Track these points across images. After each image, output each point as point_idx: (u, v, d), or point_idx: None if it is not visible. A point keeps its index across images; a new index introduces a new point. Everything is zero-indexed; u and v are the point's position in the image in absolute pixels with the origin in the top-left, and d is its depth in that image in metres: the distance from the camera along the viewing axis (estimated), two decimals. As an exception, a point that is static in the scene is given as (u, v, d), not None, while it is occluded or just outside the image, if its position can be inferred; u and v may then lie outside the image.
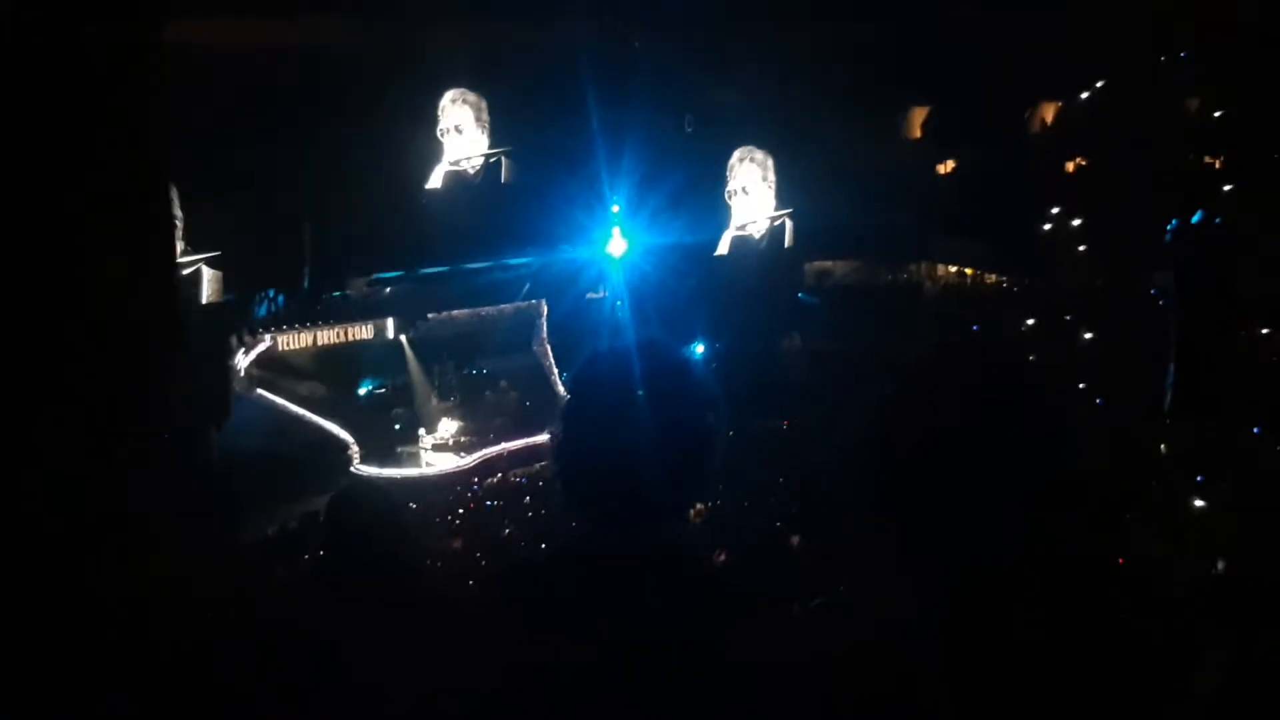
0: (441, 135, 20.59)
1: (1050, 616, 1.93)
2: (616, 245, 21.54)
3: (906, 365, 2.09)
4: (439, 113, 20.57)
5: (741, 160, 23.61)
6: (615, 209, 21.22)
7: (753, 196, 23.66)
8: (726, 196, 23.34)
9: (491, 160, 20.86)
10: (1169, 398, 13.11)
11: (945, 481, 1.93)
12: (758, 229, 23.82)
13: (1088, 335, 17.82)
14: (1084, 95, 20.98)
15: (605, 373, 2.39)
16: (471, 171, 20.79)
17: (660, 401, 2.32)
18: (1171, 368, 13.06)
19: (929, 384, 2.07)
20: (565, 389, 2.49)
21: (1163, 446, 13.41)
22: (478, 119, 20.84)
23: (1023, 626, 1.92)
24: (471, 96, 20.76)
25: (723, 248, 23.39)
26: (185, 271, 16.99)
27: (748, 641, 2.21)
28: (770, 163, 23.76)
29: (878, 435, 2.03)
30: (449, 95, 20.60)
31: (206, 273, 17.24)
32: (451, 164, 20.65)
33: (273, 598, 4.36)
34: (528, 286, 22.32)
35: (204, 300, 17.31)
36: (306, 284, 19.35)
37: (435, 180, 20.54)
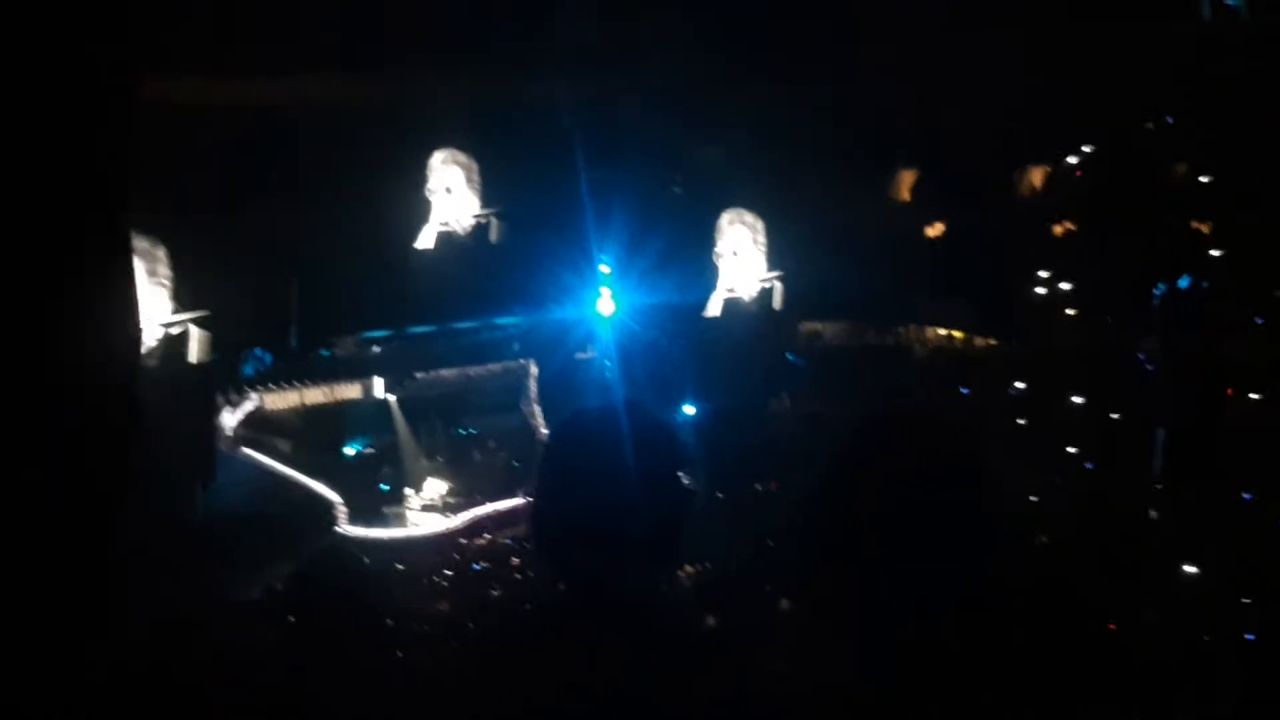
0: (430, 195, 20.65)
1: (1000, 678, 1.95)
2: (605, 305, 21.53)
3: (847, 436, 2.14)
4: (428, 172, 20.63)
5: (731, 223, 23.66)
6: (604, 269, 21.24)
7: (742, 258, 23.70)
8: (715, 259, 23.37)
9: (481, 220, 20.91)
10: (1158, 463, 13.10)
11: (873, 548, 1.97)
12: (747, 291, 23.84)
13: (1077, 399, 17.79)
14: (1072, 160, 21.09)
15: (581, 432, 2.41)
16: (461, 232, 20.85)
17: (635, 462, 2.33)
18: (1160, 433, 13.06)
19: (861, 455, 2.11)
20: (541, 447, 2.52)
21: (1151, 512, 13.36)
22: (468, 179, 20.92)
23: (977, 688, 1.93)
24: (462, 157, 20.86)
25: (712, 309, 23.40)
26: (174, 331, 16.97)
27: (717, 705, 2.20)
28: (760, 225, 23.82)
29: (816, 501, 2.08)
30: (439, 155, 20.70)
31: (194, 332, 17.21)
32: (441, 224, 20.70)
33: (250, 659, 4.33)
34: (516, 346, 22.32)
35: (192, 359, 17.25)
36: (294, 343, 19.32)
37: (424, 240, 20.59)
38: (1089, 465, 16.03)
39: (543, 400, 21.84)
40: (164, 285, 16.89)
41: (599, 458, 2.35)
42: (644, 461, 2.33)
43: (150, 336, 16.74)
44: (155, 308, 16.79)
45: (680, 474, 2.42)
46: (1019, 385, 19.66)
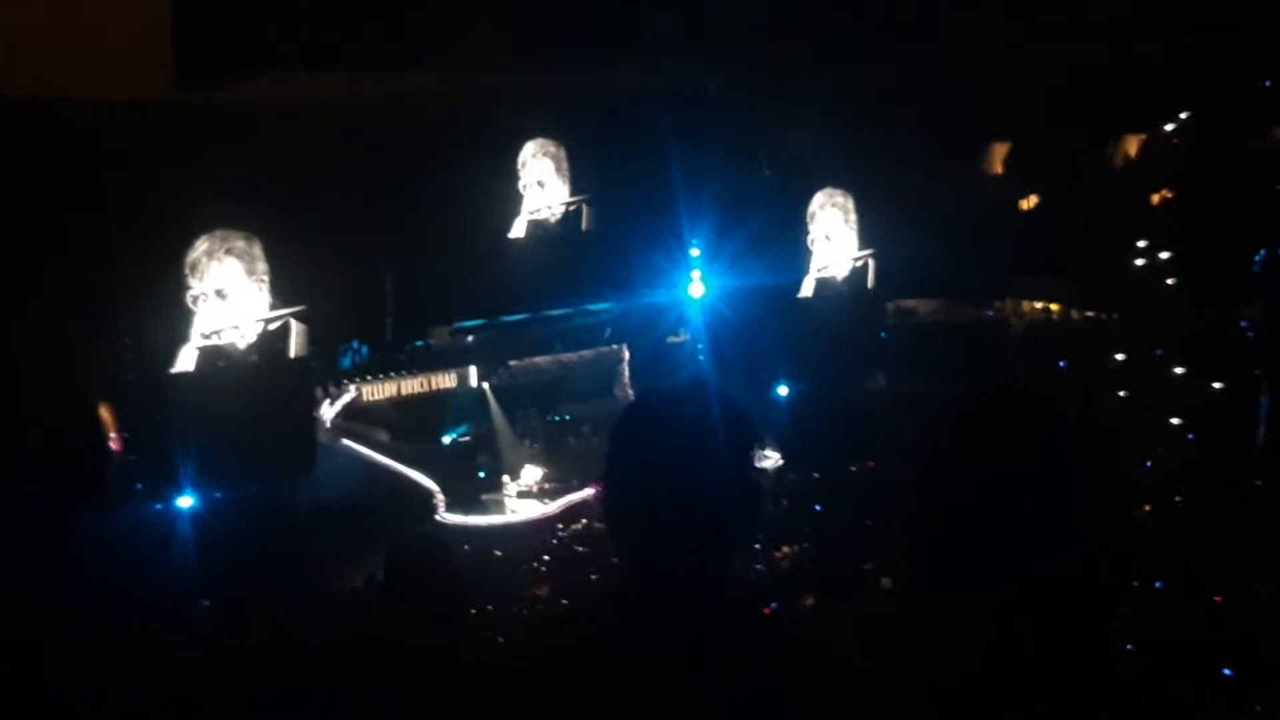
0: (524, 189, 20.70)
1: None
2: (696, 288, 21.53)
3: (947, 408, 2.08)
4: (519, 167, 20.68)
5: (824, 206, 23.49)
6: (694, 252, 21.23)
7: (834, 239, 23.55)
8: (809, 242, 23.23)
9: (571, 208, 20.97)
10: (1262, 433, 12.87)
11: (974, 519, 1.91)
12: (840, 271, 23.69)
13: (1178, 370, 17.50)
14: (1170, 127, 20.71)
15: (650, 413, 2.40)
16: (552, 220, 20.91)
17: (702, 441, 2.31)
18: (1264, 402, 12.83)
19: (964, 426, 2.06)
20: (611, 428, 2.48)
21: (1256, 482, 13.12)
22: (558, 169, 20.95)
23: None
24: (552, 147, 20.87)
25: (805, 290, 23.29)
26: (272, 326, 17.22)
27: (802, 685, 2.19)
28: (851, 204, 23.64)
29: (917, 473, 2.03)
30: (529, 149, 20.72)
31: (294, 326, 17.43)
32: (532, 213, 20.78)
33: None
34: (609, 332, 22.39)
35: (291, 354, 17.51)
36: (390, 334, 19.53)
37: (516, 229, 20.68)
38: (1191, 437, 15.78)
39: (635, 385, 21.90)
40: (262, 281, 17.14)
41: (668, 438, 2.34)
42: (711, 441, 2.32)
43: (250, 332, 17.02)
44: (254, 304, 17.06)
45: (750, 453, 2.40)
46: (1119, 357, 19.40)
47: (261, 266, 17.09)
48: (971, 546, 1.93)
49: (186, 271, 16.45)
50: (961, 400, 2.13)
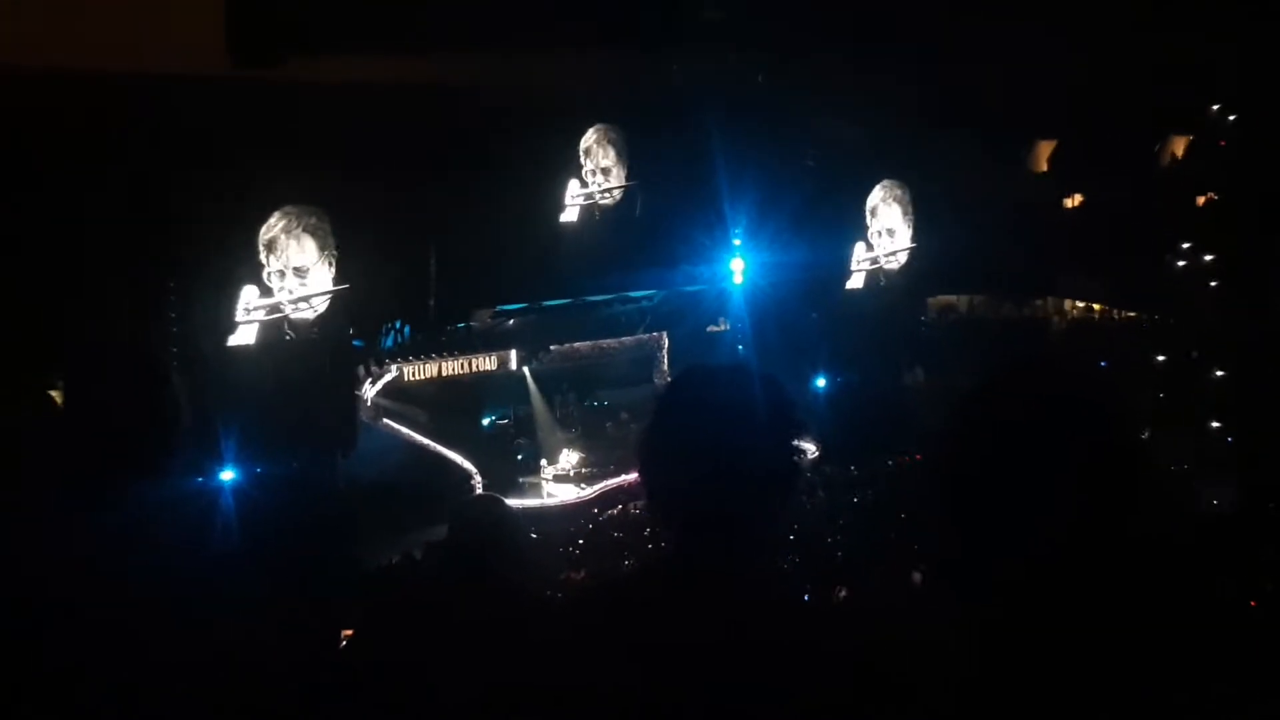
0: (591, 174, 20.62)
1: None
2: (738, 278, 21.55)
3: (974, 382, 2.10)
4: (583, 154, 20.62)
5: (884, 200, 23.49)
6: (737, 242, 21.24)
7: (897, 236, 23.61)
8: (872, 238, 23.26)
9: (620, 193, 20.93)
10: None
11: (1000, 490, 1.93)
12: (884, 263, 23.71)
13: (1219, 373, 17.46)
14: (1216, 128, 20.60)
15: (693, 389, 2.43)
16: (600, 205, 20.87)
17: (745, 422, 2.34)
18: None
19: (992, 397, 2.07)
20: (654, 401, 2.51)
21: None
22: (619, 155, 20.86)
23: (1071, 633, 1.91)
24: (612, 133, 20.78)
25: (851, 282, 23.32)
26: (324, 305, 17.33)
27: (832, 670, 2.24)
28: (908, 198, 23.65)
29: (944, 444, 2.04)
30: (592, 136, 20.64)
31: (336, 304, 17.53)
32: (583, 198, 20.70)
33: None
34: (649, 319, 22.45)
35: (338, 332, 17.63)
36: (432, 315, 19.61)
37: (568, 214, 20.61)
38: (1229, 439, 15.75)
39: (675, 373, 21.92)
40: (334, 259, 17.23)
41: (709, 415, 2.36)
42: (756, 420, 2.34)
43: (297, 310, 17.12)
44: (321, 280, 17.17)
45: (791, 433, 2.41)
46: (1160, 358, 19.34)
47: (332, 242, 17.20)
48: (997, 522, 1.95)
49: (262, 248, 16.68)
50: (993, 378, 2.16)
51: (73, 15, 14.06)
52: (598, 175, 20.73)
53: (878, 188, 23.21)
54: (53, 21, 13.92)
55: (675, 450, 2.38)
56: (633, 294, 22.07)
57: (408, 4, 16.22)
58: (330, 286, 17.26)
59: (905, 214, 23.59)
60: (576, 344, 22.20)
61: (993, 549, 1.99)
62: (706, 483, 2.33)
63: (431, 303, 19.36)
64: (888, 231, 23.47)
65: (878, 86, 20.05)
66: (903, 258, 23.73)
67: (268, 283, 16.67)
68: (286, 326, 16.98)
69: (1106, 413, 2.03)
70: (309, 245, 16.98)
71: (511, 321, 21.46)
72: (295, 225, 16.80)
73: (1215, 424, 16.26)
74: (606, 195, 20.84)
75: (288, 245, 16.81)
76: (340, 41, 15.69)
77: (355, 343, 18.44)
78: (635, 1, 17.63)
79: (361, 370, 19.01)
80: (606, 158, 20.79)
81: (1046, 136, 24.85)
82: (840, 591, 11.80)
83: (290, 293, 16.88)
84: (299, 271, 16.87)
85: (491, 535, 4.08)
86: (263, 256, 16.66)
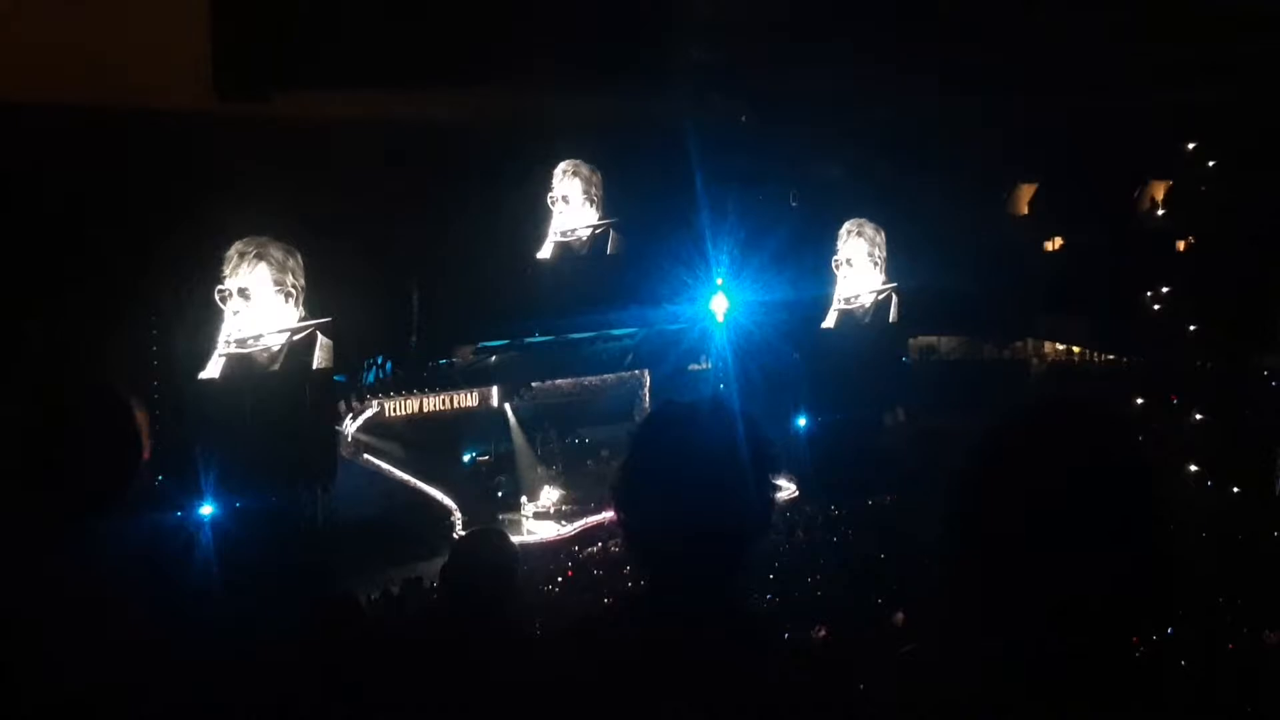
0: (551, 203, 20.73)
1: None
2: (719, 317, 21.59)
3: (995, 422, 2.06)
4: (549, 184, 20.74)
5: (850, 232, 23.60)
6: (719, 282, 21.29)
7: (858, 269, 23.65)
8: (834, 266, 23.33)
9: (598, 232, 21.02)
10: (1280, 483, 12.90)
11: (1028, 534, 1.90)
12: (863, 302, 23.78)
13: (1198, 416, 17.53)
14: (1194, 173, 20.77)
15: (667, 426, 2.41)
16: (578, 243, 20.94)
17: (718, 458, 2.32)
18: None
19: (1018, 439, 2.04)
20: (630, 439, 2.49)
21: (1276, 533, 13.14)
22: (586, 191, 20.98)
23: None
24: (584, 169, 20.92)
25: (828, 321, 23.38)
26: (298, 338, 17.33)
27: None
28: (880, 238, 23.73)
29: (963, 483, 2.00)
30: (562, 166, 20.78)
31: (319, 339, 17.53)
32: (560, 235, 20.80)
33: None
34: (630, 357, 22.47)
35: (315, 366, 17.62)
36: (414, 351, 19.61)
37: (543, 251, 20.70)
38: (1209, 483, 15.77)
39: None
40: (291, 294, 17.25)
41: (685, 451, 2.34)
42: (731, 456, 2.32)
43: (276, 343, 17.11)
44: (281, 316, 17.19)
45: (767, 469, 2.39)
46: (1138, 401, 19.40)
47: (293, 280, 17.21)
48: (1022, 559, 1.92)
49: (222, 268, 16.71)
50: (1004, 424, 2.11)
51: (59, 53, 14.08)
52: (578, 212, 20.82)
53: (847, 223, 23.35)
54: (36, 59, 13.93)
55: (648, 488, 2.36)
56: (615, 332, 22.12)
57: (395, 44, 16.26)
58: (310, 320, 17.28)
59: (871, 253, 23.70)
60: (558, 381, 22.23)
61: (1026, 605, 1.95)
62: (679, 520, 2.31)
63: (413, 339, 19.37)
64: (848, 262, 23.56)
65: (861, 127, 20.17)
66: (880, 297, 23.81)
67: (244, 316, 16.70)
68: (266, 360, 16.99)
69: (1144, 464, 2.01)
70: (263, 274, 17.03)
71: (494, 358, 21.48)
72: (252, 250, 16.87)
73: (1192, 467, 16.29)
74: (588, 233, 20.91)
75: (266, 278, 16.86)
76: (325, 79, 15.73)
77: (337, 377, 18.41)
78: (620, 43, 17.69)
79: (343, 405, 18.99)
80: (587, 196, 20.87)
81: (1028, 179, 24.99)
82: (819, 631, 11.77)
83: (267, 327, 16.90)
84: (243, 294, 16.88)
85: (505, 572, 4.06)
86: (239, 290, 16.70)
